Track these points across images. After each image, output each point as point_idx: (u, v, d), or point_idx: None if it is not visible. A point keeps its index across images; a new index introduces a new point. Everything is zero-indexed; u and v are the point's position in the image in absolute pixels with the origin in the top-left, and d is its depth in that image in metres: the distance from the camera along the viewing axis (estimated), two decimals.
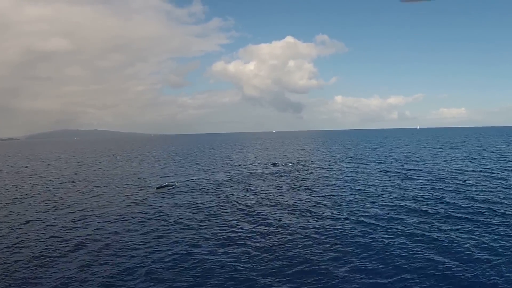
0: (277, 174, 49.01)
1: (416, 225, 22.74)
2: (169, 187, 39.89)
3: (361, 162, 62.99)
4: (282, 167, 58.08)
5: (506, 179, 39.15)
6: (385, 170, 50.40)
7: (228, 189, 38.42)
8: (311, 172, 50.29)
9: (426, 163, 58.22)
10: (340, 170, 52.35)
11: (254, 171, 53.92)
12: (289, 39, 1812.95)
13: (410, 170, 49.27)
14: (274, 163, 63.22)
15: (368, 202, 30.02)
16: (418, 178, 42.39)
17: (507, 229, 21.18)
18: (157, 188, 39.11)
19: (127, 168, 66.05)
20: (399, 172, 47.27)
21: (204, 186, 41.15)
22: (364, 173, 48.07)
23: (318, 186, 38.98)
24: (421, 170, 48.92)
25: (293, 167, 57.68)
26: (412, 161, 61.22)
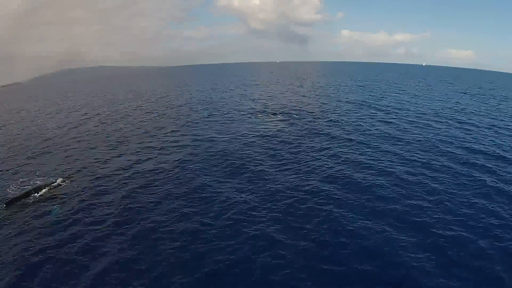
0: (271, 139, 32.81)
1: None
2: (38, 197, 21.30)
3: (390, 113, 45.94)
4: (280, 118, 42.48)
5: None
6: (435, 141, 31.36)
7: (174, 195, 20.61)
8: (327, 135, 34.31)
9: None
10: (370, 133, 35.27)
11: (236, 137, 34.04)
12: None
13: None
14: (266, 110, 47.64)
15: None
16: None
17: None
18: (6, 204, 20.28)
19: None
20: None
21: (127, 181, 23.23)
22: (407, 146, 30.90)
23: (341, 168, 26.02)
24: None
25: (296, 118, 42.65)
26: (473, 124, 39.26)
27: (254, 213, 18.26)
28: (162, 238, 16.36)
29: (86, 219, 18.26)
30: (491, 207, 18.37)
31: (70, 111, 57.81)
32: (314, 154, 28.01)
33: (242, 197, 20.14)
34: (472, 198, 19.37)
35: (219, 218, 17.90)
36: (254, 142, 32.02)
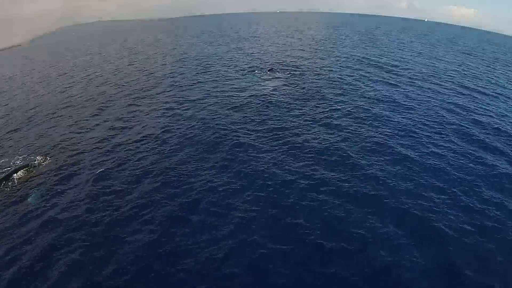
0: (264, 102, 29.47)
1: None
2: (17, 181, 19.05)
3: (392, 73, 41.86)
4: (276, 76, 38.74)
5: None
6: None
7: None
8: (324, 97, 31.70)
9: None
10: (370, 95, 32.56)
11: (227, 99, 30.74)
12: None
13: None
14: (261, 66, 43.40)
15: None
16: None
17: None
18: None
19: None
20: None
21: (105, 158, 20.81)
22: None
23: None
24: None
25: (294, 75, 38.78)
26: None
27: (236, 202, 15.81)
28: (131, 234, 14.19)
29: (58, 209, 16.24)
30: (510, 206, 16.03)
31: (59, 74, 52.63)
32: (309, 123, 25.22)
33: (224, 179, 17.57)
34: (488, 191, 16.96)
35: (196, 209, 15.53)
36: (245, 105, 29.04)
